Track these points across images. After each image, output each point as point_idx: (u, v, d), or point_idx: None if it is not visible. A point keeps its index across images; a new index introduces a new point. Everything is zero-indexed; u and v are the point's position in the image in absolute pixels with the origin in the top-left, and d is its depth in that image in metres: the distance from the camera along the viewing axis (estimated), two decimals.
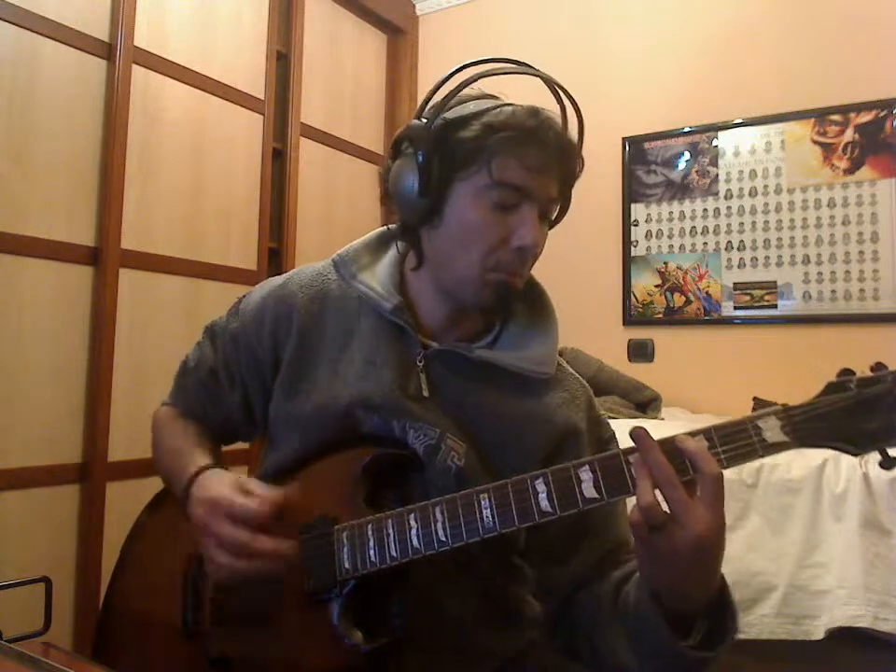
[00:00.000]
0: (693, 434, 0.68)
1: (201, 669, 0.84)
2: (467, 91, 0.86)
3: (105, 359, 2.12)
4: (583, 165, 0.88)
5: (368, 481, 0.82)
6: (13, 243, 1.94)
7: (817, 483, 1.70)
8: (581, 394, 0.93)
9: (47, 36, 2.03)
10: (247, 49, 2.65)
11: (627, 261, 2.93)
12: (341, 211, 3.08)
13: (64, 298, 2.07)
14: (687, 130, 2.83)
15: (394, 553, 0.76)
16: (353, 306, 0.91)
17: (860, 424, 0.65)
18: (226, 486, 0.81)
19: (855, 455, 0.66)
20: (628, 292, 2.92)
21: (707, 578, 0.69)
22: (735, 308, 2.70)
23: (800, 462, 1.73)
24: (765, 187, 2.67)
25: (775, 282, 2.64)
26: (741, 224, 2.71)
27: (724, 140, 2.76)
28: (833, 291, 2.54)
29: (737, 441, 0.67)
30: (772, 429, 0.66)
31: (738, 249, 2.71)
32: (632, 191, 2.94)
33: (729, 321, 2.72)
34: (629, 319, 2.91)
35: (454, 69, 0.86)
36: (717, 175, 2.77)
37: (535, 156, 0.81)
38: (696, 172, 2.81)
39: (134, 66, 2.22)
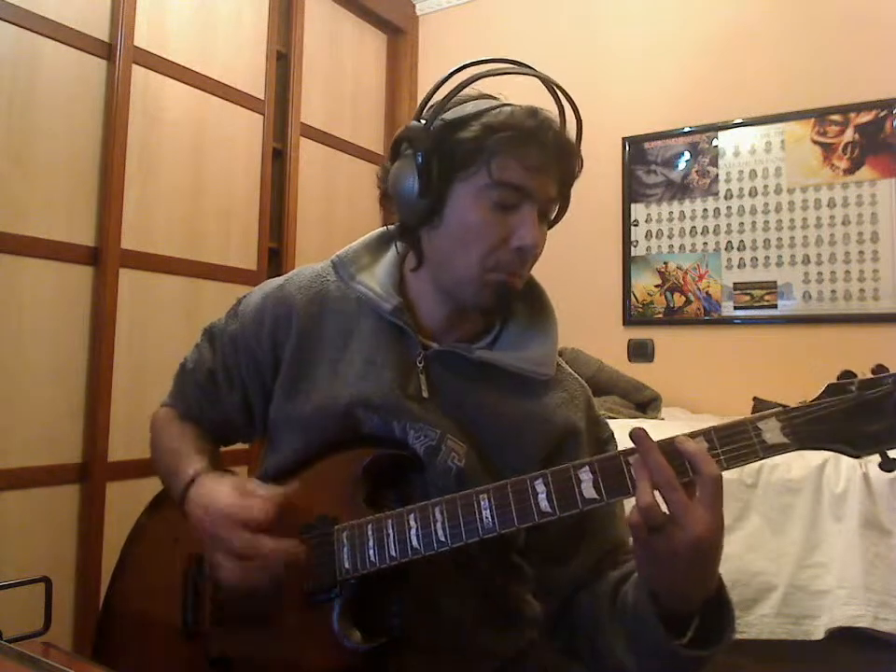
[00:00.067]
0: (692, 435, 0.68)
1: (201, 669, 0.84)
2: (466, 91, 0.86)
3: (105, 359, 2.12)
4: (582, 165, 0.88)
5: (368, 481, 0.82)
6: (13, 243, 1.94)
7: (817, 483, 1.70)
8: (580, 394, 0.93)
9: (47, 36, 2.03)
10: (247, 48, 2.65)
11: (627, 261, 2.93)
12: (341, 211, 3.07)
13: (64, 298, 2.07)
14: (687, 130, 2.83)
15: (393, 553, 0.76)
16: (352, 307, 0.91)
17: (860, 426, 0.65)
18: (225, 489, 0.81)
19: (855, 457, 0.66)
20: (628, 292, 2.92)
21: (706, 578, 0.69)
22: (735, 308, 2.70)
23: (800, 462, 1.73)
24: (765, 187, 2.67)
25: (775, 282, 2.64)
26: (741, 224, 2.71)
27: (724, 140, 2.76)
28: (833, 291, 2.54)
29: (737, 443, 0.67)
30: (772, 431, 0.66)
31: (738, 249, 2.71)
32: (632, 191, 2.94)
33: (729, 321, 2.72)
34: (629, 319, 2.91)
35: (452, 70, 0.86)
36: (717, 175, 2.76)
37: (534, 156, 0.81)
38: (696, 172, 2.81)
39: (134, 66, 2.22)
